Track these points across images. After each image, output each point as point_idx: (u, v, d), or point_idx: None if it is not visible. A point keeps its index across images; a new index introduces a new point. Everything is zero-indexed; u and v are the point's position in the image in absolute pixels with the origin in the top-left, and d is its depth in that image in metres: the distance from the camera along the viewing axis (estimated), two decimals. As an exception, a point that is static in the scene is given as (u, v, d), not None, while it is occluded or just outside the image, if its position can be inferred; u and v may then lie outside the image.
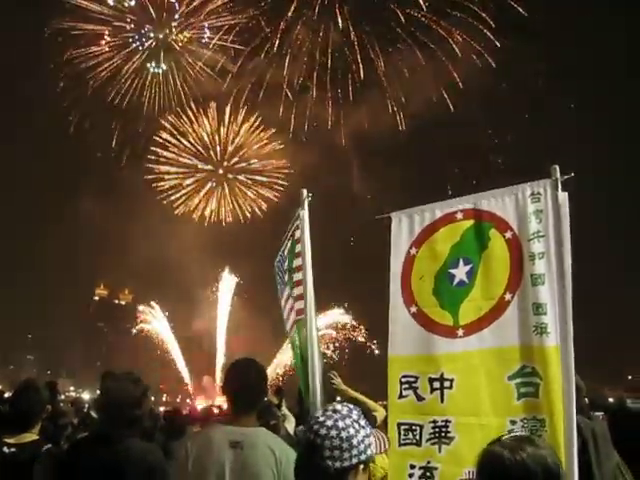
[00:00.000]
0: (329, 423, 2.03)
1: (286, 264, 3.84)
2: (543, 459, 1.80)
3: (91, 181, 54.38)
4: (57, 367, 67.80)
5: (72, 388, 60.42)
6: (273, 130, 51.33)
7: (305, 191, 3.60)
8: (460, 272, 3.03)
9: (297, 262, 3.63)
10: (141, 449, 3.44)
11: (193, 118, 51.35)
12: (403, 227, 3.27)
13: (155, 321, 52.37)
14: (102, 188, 53.73)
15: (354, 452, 2.00)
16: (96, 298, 77.87)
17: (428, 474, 2.92)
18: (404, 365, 3.12)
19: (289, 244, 3.77)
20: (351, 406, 2.13)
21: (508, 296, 2.88)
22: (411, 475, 2.94)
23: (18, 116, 52.14)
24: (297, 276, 3.62)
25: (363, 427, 2.08)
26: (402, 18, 46.92)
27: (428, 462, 2.90)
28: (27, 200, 57.95)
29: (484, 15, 44.63)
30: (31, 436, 3.55)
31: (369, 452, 2.05)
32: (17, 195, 56.40)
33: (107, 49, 49.09)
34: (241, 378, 3.44)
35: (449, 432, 2.92)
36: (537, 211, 2.86)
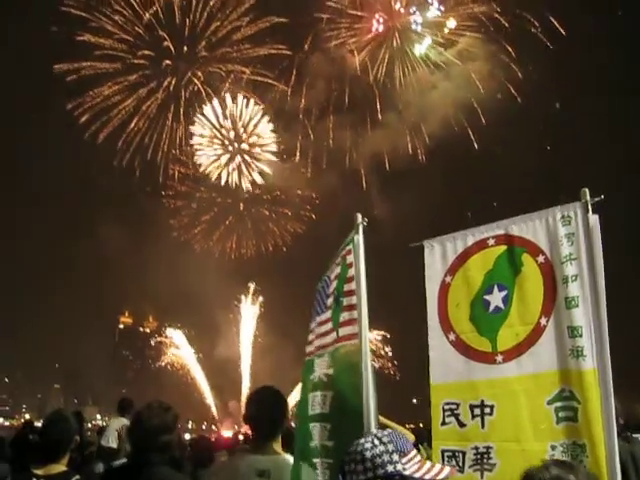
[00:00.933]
0: (366, 453, 2.02)
1: (331, 288, 3.73)
2: None
3: (115, 212, 55.23)
4: (83, 395, 68.26)
5: (99, 416, 60.66)
6: (296, 158, 51.86)
7: (360, 215, 3.46)
8: (495, 298, 3.03)
9: (348, 287, 3.50)
10: (171, 477, 3.46)
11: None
12: (436, 255, 3.31)
13: (180, 348, 52.56)
14: (126, 218, 54.49)
15: (368, 465, 1.99)
16: (121, 326, 78.51)
17: (471, 502, 2.90)
18: (446, 392, 3.13)
19: (339, 269, 3.66)
20: (384, 432, 2.11)
21: (544, 320, 2.88)
22: None
23: (34, 148, 52.99)
24: (346, 300, 3.49)
25: (383, 443, 2.04)
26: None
27: None
28: (52, 232, 58.99)
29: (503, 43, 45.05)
30: (60, 467, 3.54)
31: (389, 468, 1.99)
32: (42, 228, 57.43)
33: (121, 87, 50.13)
34: (262, 406, 3.52)
35: (491, 458, 2.91)
36: (568, 234, 2.86)
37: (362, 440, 2.06)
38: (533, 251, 2.96)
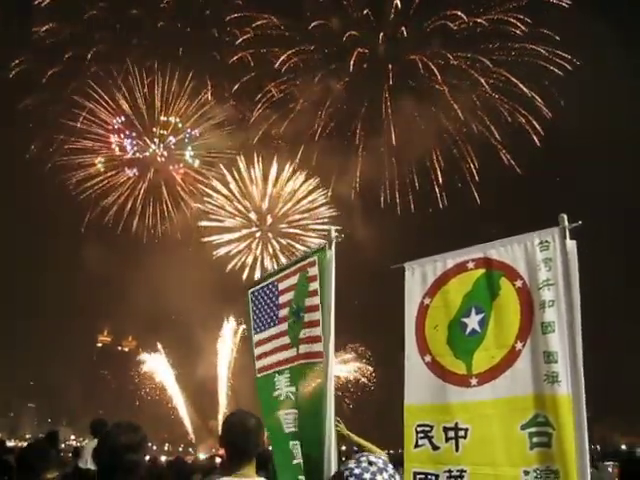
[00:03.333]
0: (367, 477, 1.93)
1: (282, 299, 3.60)
2: None
3: (94, 230, 54.83)
4: (58, 415, 66.74)
5: (73, 437, 59.29)
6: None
7: (334, 229, 3.42)
8: (472, 321, 3.05)
9: (310, 301, 3.38)
10: None
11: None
12: (416, 277, 3.32)
13: (158, 369, 51.84)
14: (106, 237, 54.12)
15: None
16: (99, 345, 77.22)
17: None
18: (419, 414, 3.12)
19: (294, 280, 3.52)
20: (383, 458, 2.04)
21: (519, 345, 2.88)
22: None
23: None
24: (308, 316, 3.37)
25: (392, 475, 1.96)
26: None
27: None
28: (28, 246, 58.25)
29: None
30: None
31: None
32: (18, 241, 56.71)
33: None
34: (237, 429, 3.46)
35: None
36: (546, 259, 2.89)
37: (378, 477, 1.93)
38: (511, 275, 2.98)
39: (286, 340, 3.52)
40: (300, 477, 3.36)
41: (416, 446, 3.09)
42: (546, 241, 2.91)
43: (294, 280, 3.53)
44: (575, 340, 2.76)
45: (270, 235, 49.31)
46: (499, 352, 2.93)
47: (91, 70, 46.71)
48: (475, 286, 3.08)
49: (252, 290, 3.91)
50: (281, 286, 3.64)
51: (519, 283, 2.95)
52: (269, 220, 49.18)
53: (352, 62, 46.00)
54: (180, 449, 53.61)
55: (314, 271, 3.39)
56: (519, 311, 2.93)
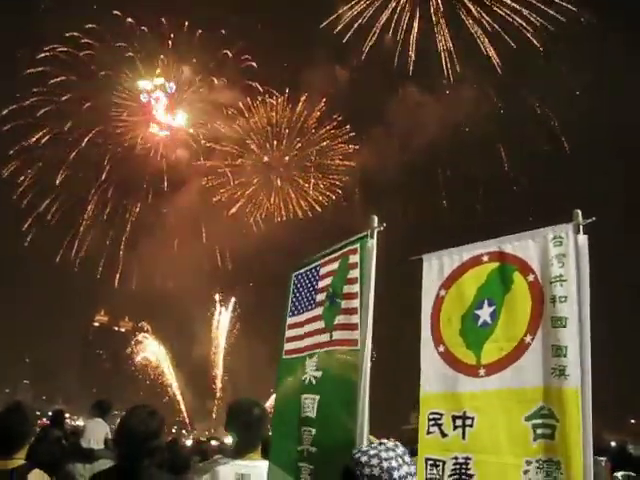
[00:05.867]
0: (372, 452, 2.04)
1: (322, 283, 3.61)
2: None
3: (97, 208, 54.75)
4: (53, 393, 67.00)
5: (67, 415, 59.57)
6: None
7: (376, 218, 3.35)
8: (484, 313, 3.09)
9: (348, 288, 3.38)
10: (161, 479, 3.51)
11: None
12: (434, 269, 3.37)
13: (154, 349, 51.99)
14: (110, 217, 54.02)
15: None
16: (96, 324, 77.36)
17: (450, 511, 2.96)
18: (432, 402, 3.19)
19: (335, 265, 3.53)
20: (397, 442, 2.14)
21: (528, 338, 2.93)
22: None
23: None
24: (345, 303, 3.37)
25: (407, 464, 2.06)
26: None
27: None
28: (30, 226, 58.08)
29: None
30: (17, 461, 3.48)
31: None
32: (19, 221, 56.59)
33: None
34: (244, 416, 3.63)
35: (469, 469, 2.95)
36: (559, 255, 2.91)
37: (384, 454, 2.04)
38: (524, 269, 3.02)
39: (321, 324, 3.52)
40: (301, 464, 3.37)
41: (428, 433, 3.16)
42: (560, 236, 2.94)
43: (335, 265, 3.53)
44: (584, 335, 2.80)
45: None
46: (508, 344, 2.98)
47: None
48: (489, 279, 3.13)
49: (296, 273, 3.92)
50: (322, 270, 3.65)
51: (531, 277, 2.99)
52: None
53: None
54: (173, 430, 53.94)
55: (355, 258, 3.38)
56: (530, 305, 2.96)
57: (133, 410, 3.51)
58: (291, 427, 3.48)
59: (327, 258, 3.63)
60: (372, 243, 3.32)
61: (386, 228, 3.34)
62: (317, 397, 3.39)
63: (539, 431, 2.80)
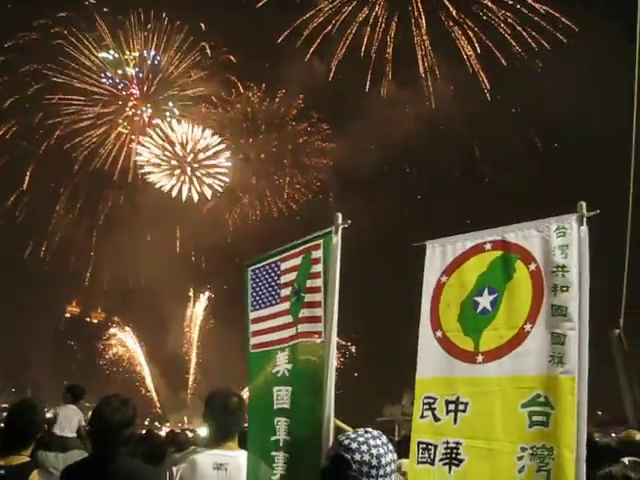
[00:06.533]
0: (361, 439, 2.09)
1: (285, 279, 3.68)
2: None
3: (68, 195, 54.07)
4: (23, 384, 65.93)
5: (37, 405, 58.72)
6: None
7: (340, 216, 3.48)
8: (484, 300, 3.13)
9: (312, 283, 3.48)
10: (138, 468, 3.55)
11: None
12: (437, 256, 3.41)
13: (127, 340, 51.67)
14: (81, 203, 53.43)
15: (381, 472, 2.06)
16: (67, 315, 76.27)
17: (438, 494, 3.02)
18: (427, 387, 3.24)
19: (297, 261, 3.62)
20: (380, 432, 2.20)
21: (528, 326, 2.96)
22: None
23: None
24: (309, 297, 3.48)
25: (391, 452, 2.14)
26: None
27: None
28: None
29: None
30: (22, 458, 3.47)
31: (393, 477, 2.11)
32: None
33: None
34: (223, 405, 3.65)
35: (459, 454, 3.01)
36: (562, 245, 2.95)
37: (372, 442, 2.11)
38: (526, 258, 3.05)
39: (288, 319, 3.60)
40: (274, 453, 3.45)
41: (421, 417, 3.22)
42: (563, 227, 2.98)
43: (298, 261, 3.61)
44: (583, 325, 2.85)
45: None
46: (508, 332, 3.02)
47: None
48: (490, 267, 3.16)
49: (252, 267, 3.98)
50: (284, 266, 3.72)
51: (533, 266, 3.02)
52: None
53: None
54: (146, 422, 53.64)
55: (318, 254, 3.47)
56: (531, 294, 3.00)
57: (106, 399, 3.52)
58: (265, 418, 3.57)
59: (287, 253, 3.71)
60: (337, 239, 3.43)
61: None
62: (290, 388, 3.50)
63: (535, 418, 2.85)
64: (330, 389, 3.23)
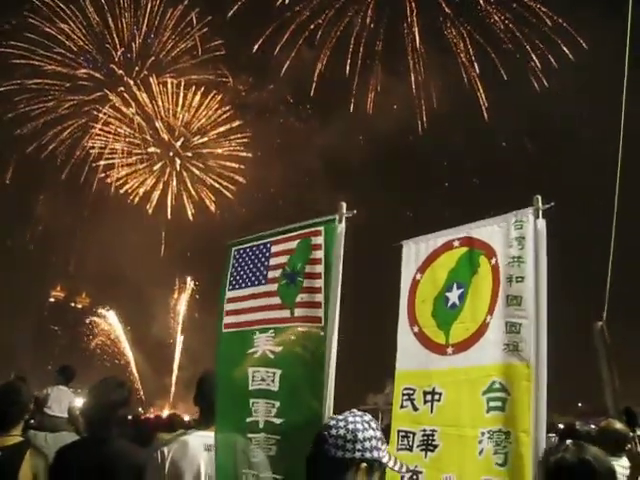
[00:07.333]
0: (340, 417, 2.19)
1: (275, 261, 3.62)
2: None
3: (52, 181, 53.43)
4: (6, 368, 65.48)
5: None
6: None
7: (344, 205, 3.41)
8: (453, 295, 3.30)
9: (311, 268, 3.41)
10: (131, 449, 3.63)
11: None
12: (412, 254, 3.58)
13: (111, 326, 51.39)
14: (63, 188, 52.82)
15: (358, 446, 2.10)
16: (52, 300, 75.59)
17: (414, 477, 3.20)
18: (406, 379, 3.43)
19: (293, 244, 3.54)
20: (366, 412, 2.26)
21: (488, 318, 3.14)
22: (402, 478, 3.19)
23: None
24: (307, 282, 3.41)
25: (373, 429, 2.17)
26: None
27: (416, 466, 3.16)
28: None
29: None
30: (14, 438, 3.53)
31: (375, 454, 2.13)
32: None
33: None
34: (210, 389, 3.64)
35: (434, 440, 3.20)
36: (519, 237, 3.10)
37: (350, 419, 2.17)
38: (488, 253, 3.22)
39: (276, 300, 3.56)
40: (251, 435, 3.41)
41: (401, 407, 3.41)
42: (520, 220, 3.13)
43: (293, 245, 3.56)
44: (541, 314, 2.98)
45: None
46: (473, 325, 3.20)
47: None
48: (458, 263, 3.33)
49: (237, 248, 3.91)
50: (274, 248, 3.67)
51: (494, 261, 3.18)
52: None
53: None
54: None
55: (319, 240, 3.42)
56: (491, 287, 3.17)
57: (104, 380, 3.58)
58: (238, 399, 3.52)
59: (281, 237, 3.66)
60: (341, 228, 3.39)
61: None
62: (278, 371, 3.45)
63: (492, 404, 3.04)
64: (331, 375, 3.22)
